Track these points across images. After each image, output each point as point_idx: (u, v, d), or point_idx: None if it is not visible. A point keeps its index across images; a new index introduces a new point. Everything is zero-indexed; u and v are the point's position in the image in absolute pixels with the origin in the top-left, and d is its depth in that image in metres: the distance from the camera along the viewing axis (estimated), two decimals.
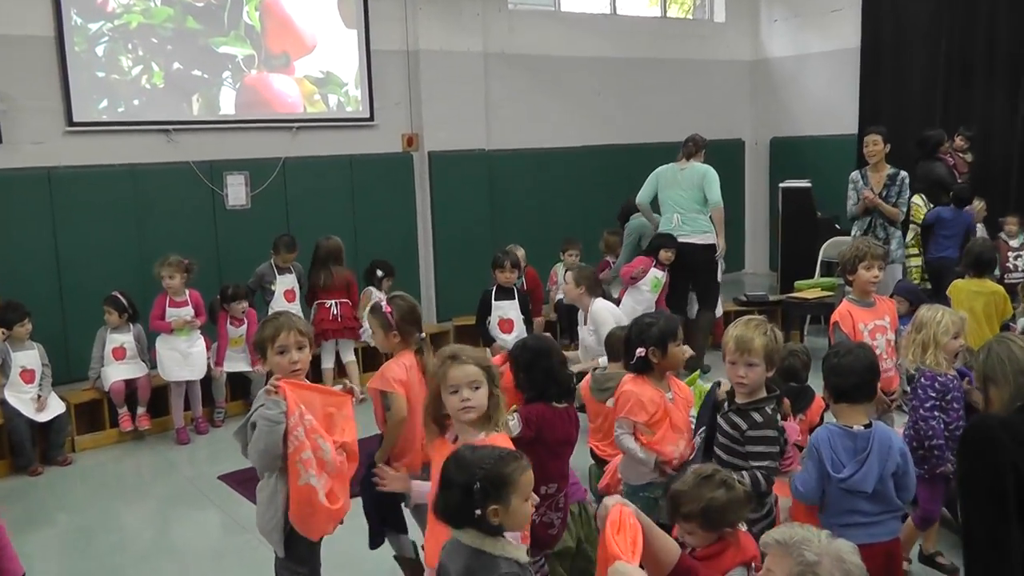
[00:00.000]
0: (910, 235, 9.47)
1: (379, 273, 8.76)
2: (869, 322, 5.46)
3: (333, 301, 8.29)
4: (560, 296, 8.60)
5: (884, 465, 3.67)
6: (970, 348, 5.57)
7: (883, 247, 5.79)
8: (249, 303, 8.02)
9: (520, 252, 8.76)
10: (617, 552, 2.64)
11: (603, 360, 6.11)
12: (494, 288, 7.73)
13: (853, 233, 8.47)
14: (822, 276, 10.02)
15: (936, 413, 4.55)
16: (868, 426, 3.75)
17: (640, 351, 4.29)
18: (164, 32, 8.74)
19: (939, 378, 4.60)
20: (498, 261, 7.71)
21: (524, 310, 7.71)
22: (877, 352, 5.39)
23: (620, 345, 5.09)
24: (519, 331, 7.54)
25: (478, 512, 2.66)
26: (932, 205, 9.47)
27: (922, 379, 4.63)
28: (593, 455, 5.61)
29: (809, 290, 9.31)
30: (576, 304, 7.04)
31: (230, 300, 7.92)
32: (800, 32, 12.91)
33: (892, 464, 3.68)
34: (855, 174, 8.63)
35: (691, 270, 8.46)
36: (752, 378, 3.81)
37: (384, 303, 4.57)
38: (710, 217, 8.49)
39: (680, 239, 8.37)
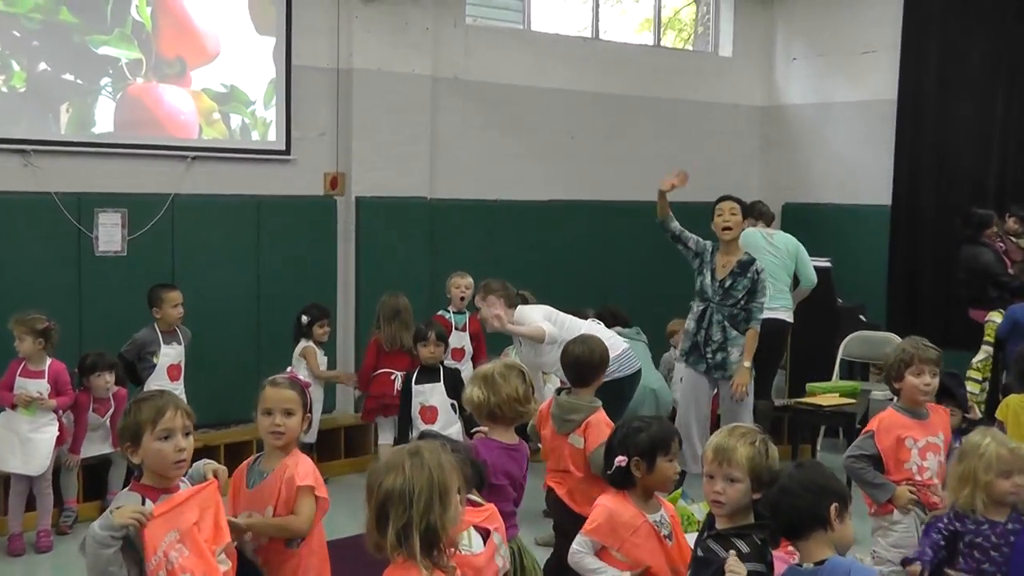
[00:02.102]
0: (980, 356, 9.41)
1: (304, 319, 8.90)
2: (920, 438, 5.50)
3: (398, 373, 8.47)
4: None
5: None
6: None
7: (935, 349, 5.75)
8: (119, 380, 7.84)
9: (465, 281, 9.20)
10: None
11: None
12: (417, 370, 7.91)
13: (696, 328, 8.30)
14: (842, 379, 10.04)
15: (928, 548, 4.73)
16: (821, 562, 3.74)
17: (620, 459, 4.33)
18: (30, 24, 8.65)
19: (956, 523, 4.67)
20: (420, 334, 7.97)
21: (453, 392, 7.73)
22: (927, 476, 5.45)
23: (580, 367, 5.91)
24: (446, 420, 7.57)
25: None
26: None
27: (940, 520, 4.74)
28: (552, 500, 5.85)
29: (825, 395, 9.30)
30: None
31: (89, 372, 7.75)
32: (824, 75, 13.12)
33: None
34: (709, 244, 8.28)
35: (777, 348, 8.87)
36: (732, 496, 3.88)
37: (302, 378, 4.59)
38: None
39: (768, 314, 8.61)
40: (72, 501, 7.82)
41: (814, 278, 9.65)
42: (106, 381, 7.76)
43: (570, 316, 7.91)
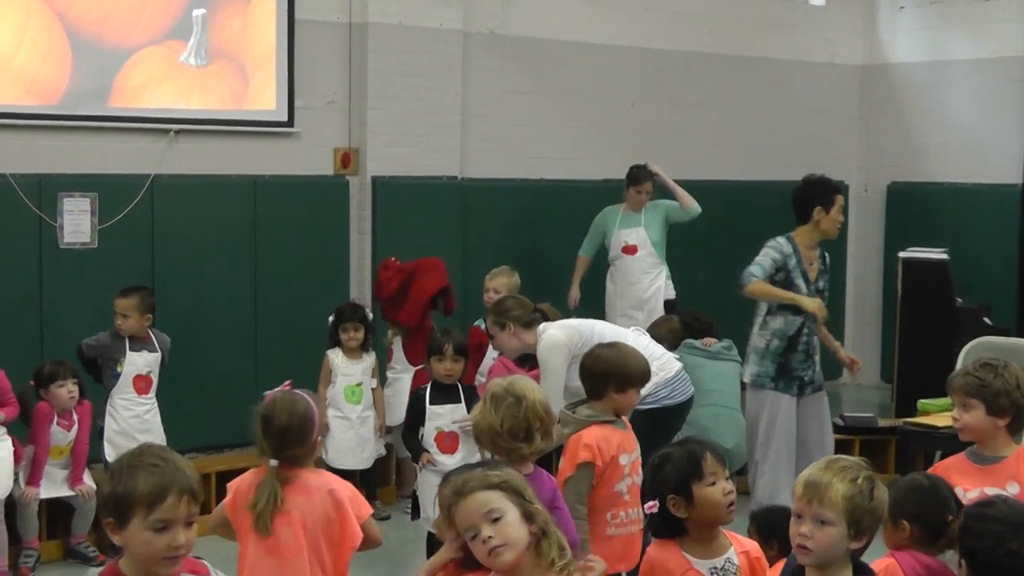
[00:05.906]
0: None
1: (330, 320, 8.89)
2: (972, 489, 5.32)
3: None
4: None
5: None
6: None
7: (973, 375, 5.59)
8: (82, 390, 7.87)
9: (505, 280, 9.14)
10: None
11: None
12: (429, 385, 7.75)
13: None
14: None
15: None
16: None
17: (650, 505, 4.31)
18: None
19: None
20: (436, 345, 7.68)
21: None
22: None
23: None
24: (468, 451, 7.48)
25: None
26: None
27: None
28: None
29: (940, 415, 9.18)
30: (526, 352, 7.70)
31: (47, 383, 7.78)
32: (939, 27, 13.00)
33: None
34: (783, 242, 8.17)
35: None
36: (821, 542, 3.80)
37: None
38: None
39: None
40: (32, 541, 7.83)
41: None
42: (69, 391, 7.79)
43: (608, 324, 7.80)
